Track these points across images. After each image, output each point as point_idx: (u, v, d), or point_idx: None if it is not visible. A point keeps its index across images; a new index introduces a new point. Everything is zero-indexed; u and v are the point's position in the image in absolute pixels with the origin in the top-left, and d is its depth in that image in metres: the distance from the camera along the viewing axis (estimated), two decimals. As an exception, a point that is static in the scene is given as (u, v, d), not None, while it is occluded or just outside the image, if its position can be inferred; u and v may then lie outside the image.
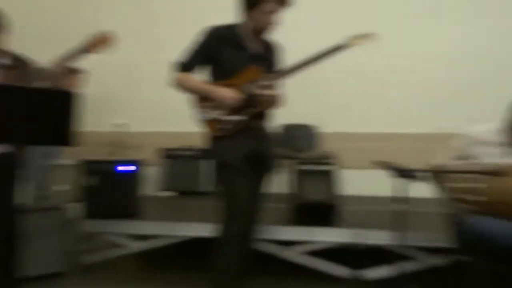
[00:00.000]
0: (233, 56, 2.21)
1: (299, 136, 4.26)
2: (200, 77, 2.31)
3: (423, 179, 1.81)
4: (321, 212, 2.82)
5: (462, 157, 2.11)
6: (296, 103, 4.19)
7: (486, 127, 2.13)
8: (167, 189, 4.05)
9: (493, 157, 2.02)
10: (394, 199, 1.79)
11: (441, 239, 2.51)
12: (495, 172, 1.69)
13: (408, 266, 2.64)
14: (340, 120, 4.40)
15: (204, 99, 2.22)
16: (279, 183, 3.72)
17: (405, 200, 1.76)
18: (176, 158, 4.05)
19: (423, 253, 2.67)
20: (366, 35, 2.19)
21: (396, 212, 1.78)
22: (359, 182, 4.00)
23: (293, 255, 2.85)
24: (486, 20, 4.29)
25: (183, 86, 2.26)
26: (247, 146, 2.20)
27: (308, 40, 3.74)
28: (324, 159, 2.92)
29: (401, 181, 1.77)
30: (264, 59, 2.26)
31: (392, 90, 4.38)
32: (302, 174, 2.87)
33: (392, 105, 4.37)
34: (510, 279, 2.37)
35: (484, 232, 1.80)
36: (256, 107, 2.18)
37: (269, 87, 2.16)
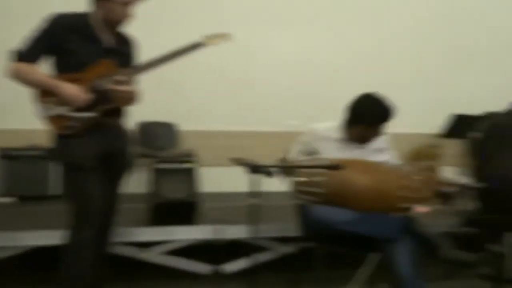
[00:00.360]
0: (84, 48, 2.04)
1: (158, 134, 4.17)
2: (45, 68, 2.09)
3: (275, 174, 1.93)
4: (181, 210, 2.81)
5: (308, 152, 2.32)
6: (155, 100, 4.10)
7: (328, 124, 2.38)
8: (5, 194, 3.56)
9: (333, 151, 2.27)
10: (250, 194, 1.86)
11: (291, 229, 2.74)
12: (332, 167, 1.89)
13: (263, 257, 2.81)
14: (199, 118, 4.43)
15: (46, 93, 2.00)
16: (137, 182, 3.58)
17: (259, 194, 1.84)
18: (16, 158, 3.59)
19: (276, 243, 2.86)
20: (222, 35, 2.23)
21: (251, 206, 1.86)
22: (217, 179, 4.10)
23: (152, 256, 2.78)
24: (327, 28, 4.80)
25: (21, 78, 2.01)
26: (99, 145, 2.06)
27: (165, 36, 3.69)
28: (184, 157, 2.91)
29: (255, 177, 1.86)
30: (119, 53, 2.13)
31: (247, 90, 4.59)
32: (161, 172, 2.81)
33: (247, 104, 4.58)
34: (347, 260, 2.71)
35: (324, 220, 2.01)
36: (109, 104, 2.06)
37: (125, 82, 2.06)
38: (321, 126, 2.37)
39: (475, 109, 4.37)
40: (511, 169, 1.83)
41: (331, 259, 2.24)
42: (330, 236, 2.07)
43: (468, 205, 3.49)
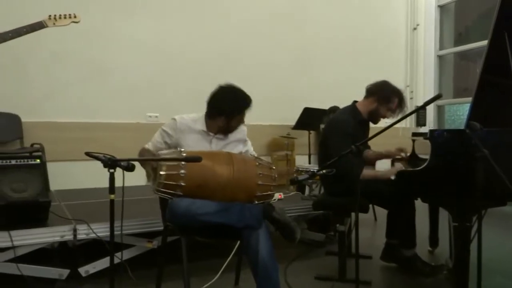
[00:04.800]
0: None
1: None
2: None
3: (135, 168, 1.85)
4: (29, 212, 2.52)
5: (170, 144, 2.30)
6: None
7: (191, 116, 2.39)
8: None
9: (195, 143, 2.29)
10: (110, 190, 1.76)
11: (154, 223, 2.68)
12: (192, 159, 1.90)
13: (126, 254, 2.69)
14: (47, 109, 4.06)
15: None
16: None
17: (120, 189, 1.75)
18: None
19: (139, 238, 2.77)
20: (68, 16, 2.03)
21: (112, 202, 1.76)
22: (72, 175, 3.80)
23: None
24: (188, 19, 4.80)
25: None
26: None
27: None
28: (29, 152, 2.61)
29: (114, 171, 1.76)
30: None
31: (104, 79, 4.35)
32: (1, 170, 2.46)
33: (101, 94, 4.34)
34: (213, 250, 2.76)
35: (187, 213, 2.01)
36: None
37: None
38: (183, 117, 2.37)
39: (323, 102, 4.86)
40: (349, 158, 2.06)
41: (198, 251, 2.26)
42: (195, 228, 2.08)
43: (317, 190, 3.88)
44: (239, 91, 2.34)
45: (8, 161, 2.48)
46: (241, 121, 2.39)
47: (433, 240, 3.32)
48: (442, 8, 6.78)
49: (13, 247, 2.42)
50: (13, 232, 2.40)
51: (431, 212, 3.29)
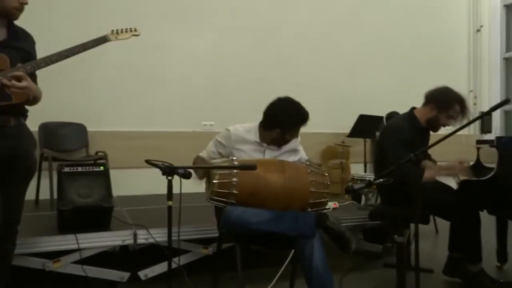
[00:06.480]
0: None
1: (65, 135, 3.94)
2: None
3: (191, 175, 1.89)
4: (94, 216, 2.66)
5: (224, 153, 2.33)
6: (60, 99, 3.88)
7: (245, 126, 2.41)
8: None
9: (249, 152, 2.31)
10: (168, 197, 1.81)
11: (209, 230, 2.73)
12: (246, 167, 1.92)
13: (183, 260, 2.76)
14: (107, 118, 4.27)
15: None
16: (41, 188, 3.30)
17: (177, 196, 1.80)
18: None
19: (195, 244, 2.83)
20: (129, 30, 2.13)
21: (170, 209, 1.82)
22: (133, 182, 3.97)
23: (63, 266, 2.59)
24: (242, 30, 4.86)
25: None
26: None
27: (72, 30, 3.45)
28: (94, 159, 2.75)
29: (171, 178, 1.82)
30: (11, 47, 1.93)
31: (161, 90, 4.50)
32: (70, 176, 2.63)
33: (160, 104, 4.49)
34: (267, 258, 2.76)
35: (241, 221, 2.02)
36: (3, 100, 1.85)
37: (21, 78, 1.86)
38: (237, 127, 2.39)
39: (379, 109, 4.72)
40: (408, 167, 1.98)
41: (252, 258, 2.26)
42: (249, 236, 2.08)
43: (374, 199, 3.77)
44: (297, 105, 2.32)
45: (75, 168, 2.65)
46: (295, 135, 2.38)
47: (502, 255, 3.10)
48: (508, 7, 6.38)
49: (79, 250, 2.56)
50: (79, 235, 2.54)
51: (498, 225, 3.07)
